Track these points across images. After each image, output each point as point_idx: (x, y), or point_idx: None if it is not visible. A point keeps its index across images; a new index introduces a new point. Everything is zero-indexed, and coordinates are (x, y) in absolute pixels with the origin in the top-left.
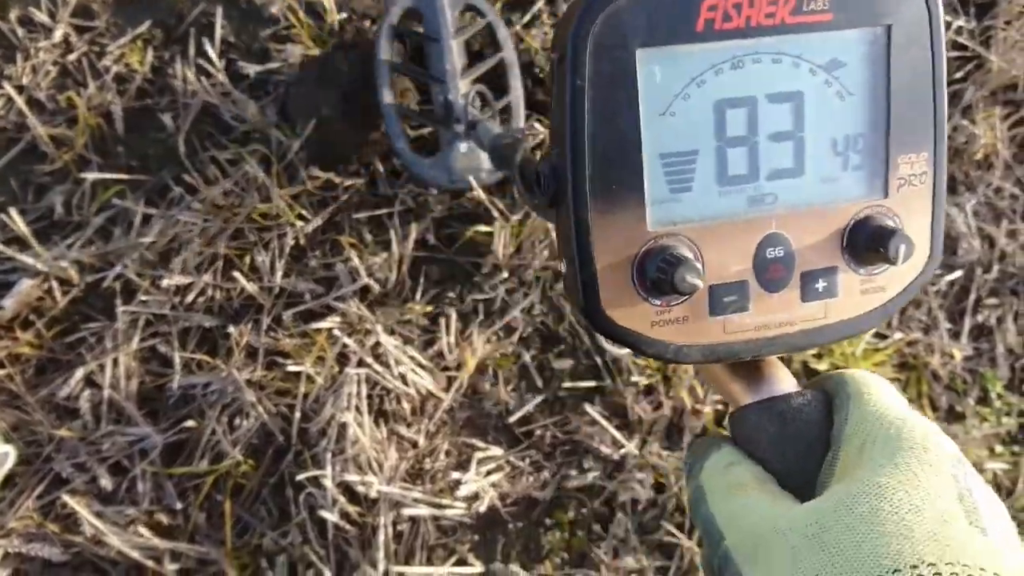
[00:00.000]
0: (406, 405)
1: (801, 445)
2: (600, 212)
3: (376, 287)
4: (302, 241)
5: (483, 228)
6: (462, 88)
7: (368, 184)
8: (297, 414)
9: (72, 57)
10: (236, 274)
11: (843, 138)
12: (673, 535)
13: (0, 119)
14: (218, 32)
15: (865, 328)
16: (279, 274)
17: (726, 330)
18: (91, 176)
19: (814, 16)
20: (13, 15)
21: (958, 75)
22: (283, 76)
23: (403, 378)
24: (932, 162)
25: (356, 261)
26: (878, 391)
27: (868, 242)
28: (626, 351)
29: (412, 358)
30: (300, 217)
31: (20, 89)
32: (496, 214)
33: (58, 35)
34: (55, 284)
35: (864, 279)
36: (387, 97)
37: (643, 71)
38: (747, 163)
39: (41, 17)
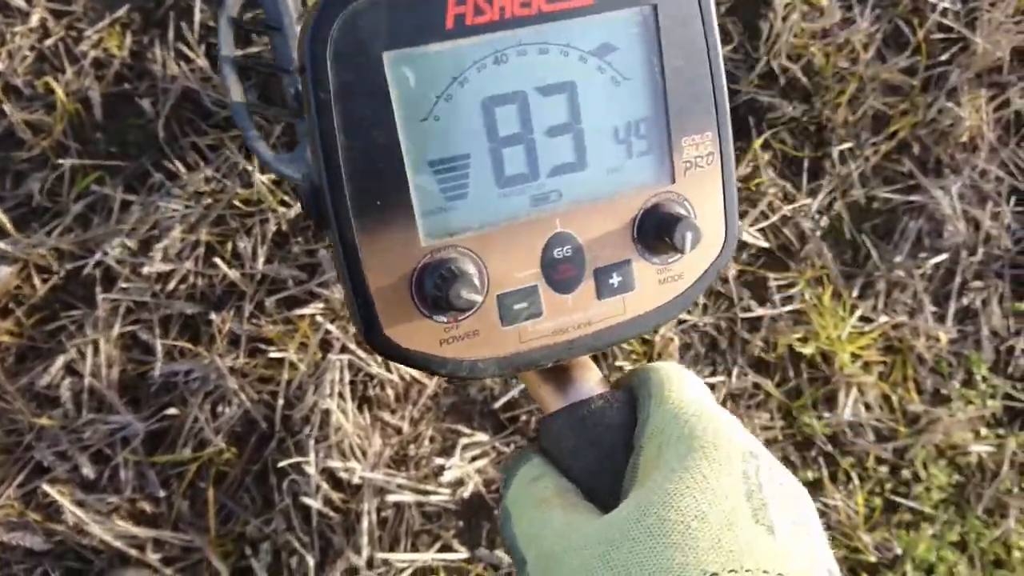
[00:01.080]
0: (390, 391)
1: (601, 451)
2: (367, 231)
3: None
4: (284, 227)
5: None
6: None
7: None
8: (280, 401)
9: (49, 42)
10: (218, 261)
11: (624, 125)
12: None
13: None
14: (197, 16)
15: (666, 319)
16: (261, 260)
17: (521, 339)
18: (69, 162)
19: (573, 1)
20: None
21: (943, 57)
22: (263, 60)
23: (386, 364)
24: (718, 142)
25: None
26: (679, 386)
27: (656, 231)
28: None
29: None
30: (282, 203)
31: None
32: None
33: (35, 20)
34: (34, 272)
35: (660, 268)
36: (235, 94)
37: (394, 76)
38: (525, 161)
39: (17, 1)
